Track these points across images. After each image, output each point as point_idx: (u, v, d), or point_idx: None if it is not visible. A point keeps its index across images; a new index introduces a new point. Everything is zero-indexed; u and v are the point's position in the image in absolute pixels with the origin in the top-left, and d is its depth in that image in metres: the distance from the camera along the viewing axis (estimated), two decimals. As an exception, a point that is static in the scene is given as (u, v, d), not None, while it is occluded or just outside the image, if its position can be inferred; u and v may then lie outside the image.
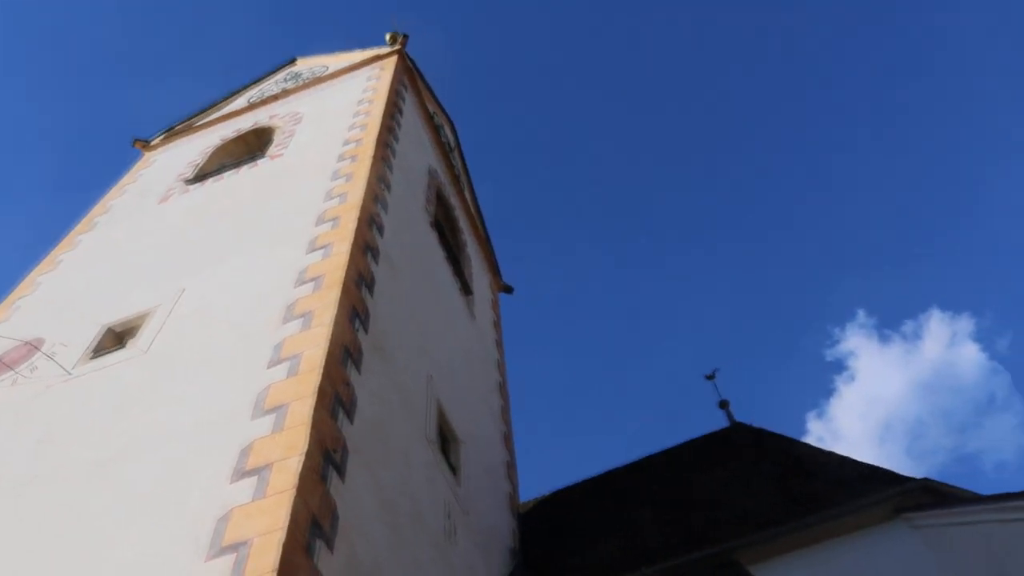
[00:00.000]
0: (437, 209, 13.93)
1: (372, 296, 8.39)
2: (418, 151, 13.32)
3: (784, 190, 41.46)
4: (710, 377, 16.64)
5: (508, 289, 16.80)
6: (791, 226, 41.59)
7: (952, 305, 43.12)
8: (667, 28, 42.88)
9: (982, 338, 41.63)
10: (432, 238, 12.15)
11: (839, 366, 46.15)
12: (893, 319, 45.54)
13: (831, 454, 12.38)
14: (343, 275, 7.81)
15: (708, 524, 11.27)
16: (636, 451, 19.18)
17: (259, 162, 12.31)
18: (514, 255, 37.53)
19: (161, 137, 16.08)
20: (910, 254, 40.27)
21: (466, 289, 13.09)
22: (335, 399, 6.57)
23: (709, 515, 11.62)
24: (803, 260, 41.56)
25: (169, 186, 12.93)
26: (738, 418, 15.44)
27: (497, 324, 15.15)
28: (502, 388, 13.55)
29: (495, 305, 15.66)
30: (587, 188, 44.59)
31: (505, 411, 13.18)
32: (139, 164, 15.03)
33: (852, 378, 44.14)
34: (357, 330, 7.57)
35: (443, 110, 16.63)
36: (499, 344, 14.64)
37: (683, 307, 42.17)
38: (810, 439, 38.79)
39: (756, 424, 14.54)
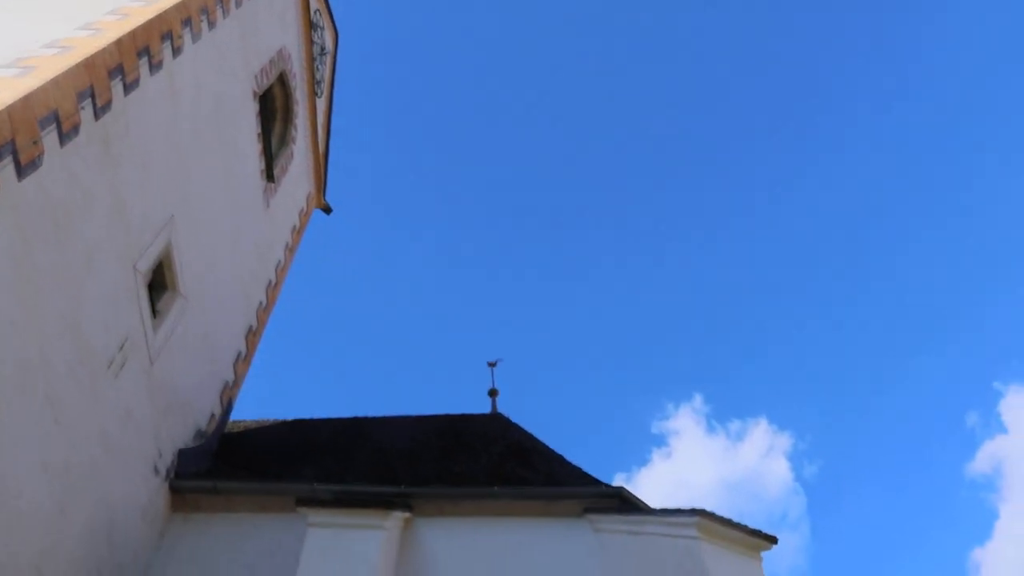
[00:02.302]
0: (274, 89, 13.31)
1: (125, 96, 7.76)
2: (274, 26, 12.66)
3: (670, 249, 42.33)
4: (492, 365, 16.56)
5: (327, 209, 16.23)
6: (668, 285, 42.48)
7: (780, 420, 45.07)
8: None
9: (794, 459, 43.67)
10: (248, 106, 11.52)
11: (660, 440, 47.38)
12: (725, 414, 47.08)
13: (565, 460, 12.36)
14: (95, 54, 7.16)
15: (410, 477, 11.04)
16: (396, 409, 18.74)
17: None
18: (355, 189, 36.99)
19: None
20: (766, 359, 41.81)
21: (269, 175, 12.48)
22: (9, 147, 5.95)
23: (416, 472, 11.40)
24: (664, 323, 42.46)
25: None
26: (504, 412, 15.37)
27: (297, 232, 14.54)
28: (272, 288, 12.96)
29: (304, 215, 15.04)
30: (461, 158, 44.03)
31: (264, 311, 12.59)
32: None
33: (669, 455, 45.28)
34: (82, 108, 6.93)
35: (331, 15, 16.02)
36: (291, 250, 14.04)
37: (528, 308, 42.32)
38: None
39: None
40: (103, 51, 7.29)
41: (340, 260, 41.78)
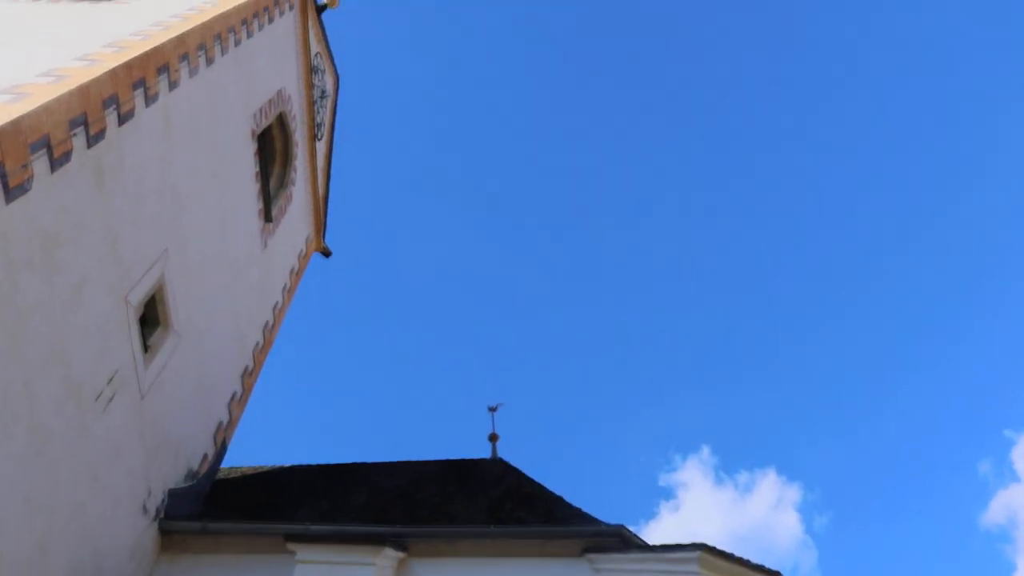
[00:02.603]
0: (273, 130, 13.33)
1: (119, 126, 7.70)
2: (274, 66, 12.71)
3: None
4: (492, 409, 16.30)
5: (326, 252, 16.14)
6: (671, 336, 42.17)
7: (789, 471, 44.38)
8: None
9: (804, 511, 42.97)
10: (246, 145, 11.48)
11: (668, 492, 46.62)
12: (733, 465, 46.43)
13: (565, 502, 12.06)
14: (89, 83, 7.11)
15: (406, 519, 10.77)
16: (395, 456, 18.43)
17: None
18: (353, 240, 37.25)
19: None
20: (774, 410, 41.42)
21: (267, 216, 12.40)
22: (-3, 170, 5.86)
23: (413, 514, 11.13)
24: (670, 374, 42.12)
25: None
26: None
27: (296, 275, 14.44)
28: (269, 330, 12.80)
29: (303, 258, 14.96)
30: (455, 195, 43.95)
31: (260, 352, 12.42)
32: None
33: (677, 508, 44.43)
34: (74, 135, 6.86)
35: (331, 59, 16.11)
36: (289, 292, 13.93)
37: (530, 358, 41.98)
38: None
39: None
40: (97, 80, 7.25)
41: (339, 303, 41.67)
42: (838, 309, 41.13)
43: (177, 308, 9.21)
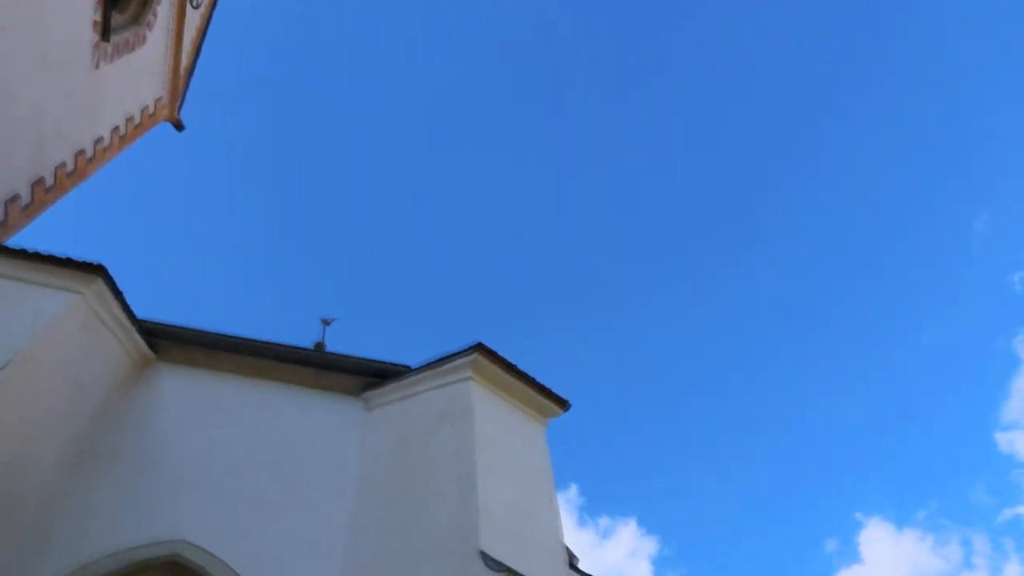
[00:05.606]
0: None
1: None
2: None
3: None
4: (326, 322, 15.24)
5: (178, 125, 14.83)
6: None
7: (648, 524, 44.05)
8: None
9: (658, 564, 42.68)
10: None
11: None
12: (596, 508, 45.77)
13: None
14: None
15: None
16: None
17: None
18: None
19: None
20: (645, 462, 40.95)
21: (103, 33, 11.22)
22: None
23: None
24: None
25: None
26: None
27: (135, 127, 13.12)
28: (83, 159, 11.48)
29: (148, 115, 13.58)
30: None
31: (67, 175, 11.09)
32: None
33: (534, 544, 43.17)
34: None
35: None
36: (122, 138, 12.62)
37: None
38: None
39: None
40: None
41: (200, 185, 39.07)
42: (710, 385, 41.07)
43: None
